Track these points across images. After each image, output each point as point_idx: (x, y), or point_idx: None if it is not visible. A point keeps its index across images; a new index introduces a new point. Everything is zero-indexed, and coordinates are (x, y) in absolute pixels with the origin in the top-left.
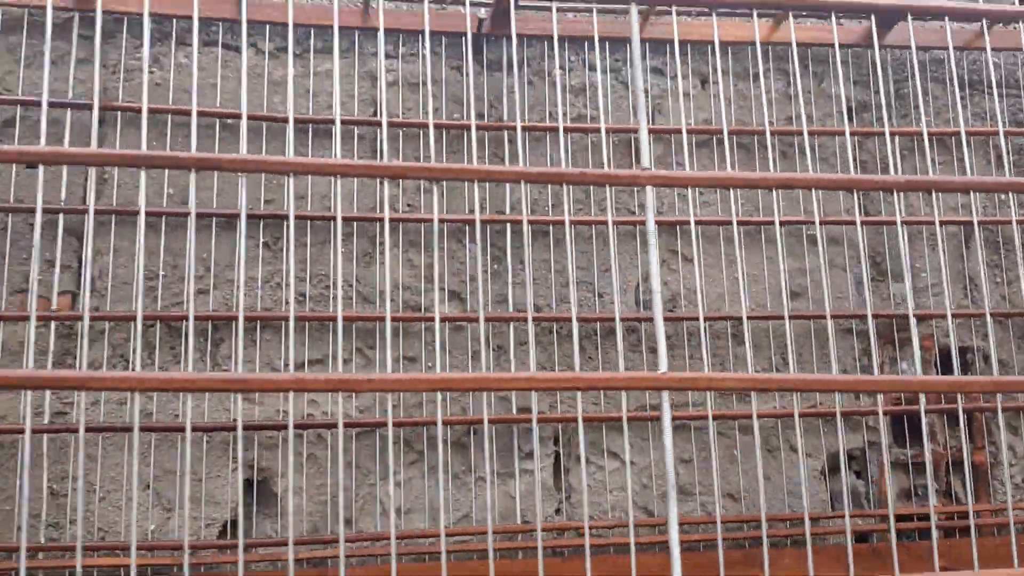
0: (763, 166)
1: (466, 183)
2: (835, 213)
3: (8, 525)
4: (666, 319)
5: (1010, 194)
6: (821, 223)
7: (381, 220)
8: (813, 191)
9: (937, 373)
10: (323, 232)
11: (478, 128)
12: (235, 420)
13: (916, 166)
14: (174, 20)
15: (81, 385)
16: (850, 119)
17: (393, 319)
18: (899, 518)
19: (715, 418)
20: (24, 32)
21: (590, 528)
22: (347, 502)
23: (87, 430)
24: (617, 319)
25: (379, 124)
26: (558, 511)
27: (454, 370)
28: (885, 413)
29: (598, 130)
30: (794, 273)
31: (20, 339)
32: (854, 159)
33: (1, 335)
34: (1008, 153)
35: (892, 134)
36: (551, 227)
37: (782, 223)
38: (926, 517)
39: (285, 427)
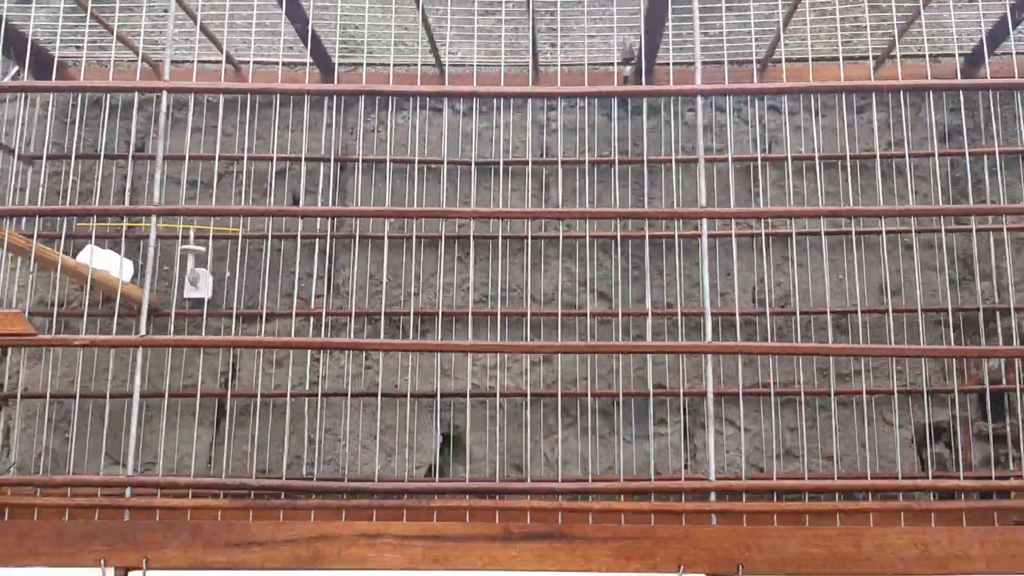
0: (868, 185)
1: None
2: (927, 223)
3: (278, 462)
4: (775, 313)
5: None
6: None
7: (545, 237)
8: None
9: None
10: (502, 245)
11: (621, 163)
12: (436, 388)
13: (1004, 179)
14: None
15: (356, 347)
16: (943, 143)
17: (536, 314)
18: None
19: (815, 394)
20: (282, 103)
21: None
22: (519, 454)
23: (331, 395)
24: (707, 316)
25: (537, 163)
26: (686, 466)
27: (601, 358)
28: (968, 391)
29: (725, 160)
30: (892, 275)
31: (288, 330)
32: (945, 176)
33: (277, 327)
34: None
35: (989, 153)
36: (680, 240)
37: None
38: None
39: (475, 395)
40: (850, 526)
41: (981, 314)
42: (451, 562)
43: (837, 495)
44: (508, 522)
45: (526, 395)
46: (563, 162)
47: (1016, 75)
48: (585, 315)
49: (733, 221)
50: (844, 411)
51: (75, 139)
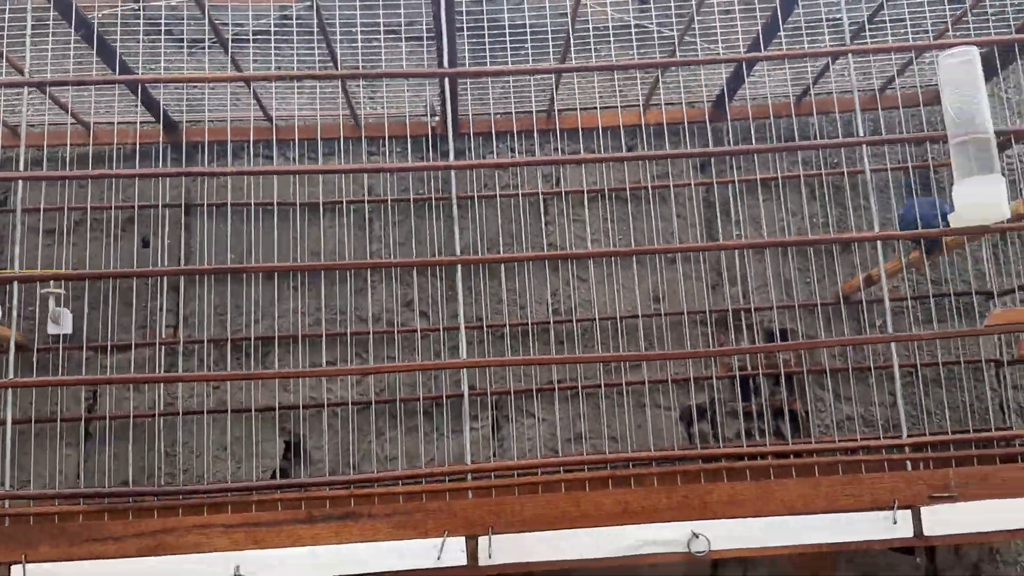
0: (641, 212)
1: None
2: (687, 240)
3: (140, 475)
4: (564, 321)
5: (818, 217)
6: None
7: (376, 266)
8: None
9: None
10: (332, 274)
11: (435, 200)
12: (276, 401)
13: (746, 201)
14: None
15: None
16: (702, 171)
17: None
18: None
19: (595, 387)
20: (115, 158)
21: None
22: (352, 453)
23: (186, 413)
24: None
25: (368, 201)
26: (494, 454)
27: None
28: (721, 377)
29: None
30: (659, 283)
31: (144, 358)
32: (703, 200)
33: (133, 356)
34: (826, 187)
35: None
36: (486, 265)
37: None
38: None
39: (314, 406)
40: (572, 492)
41: (730, 314)
42: (267, 542)
43: (608, 466)
44: (312, 508)
45: (365, 404)
46: (391, 200)
47: (751, 117)
48: (413, 331)
49: (530, 248)
50: (624, 398)
51: None
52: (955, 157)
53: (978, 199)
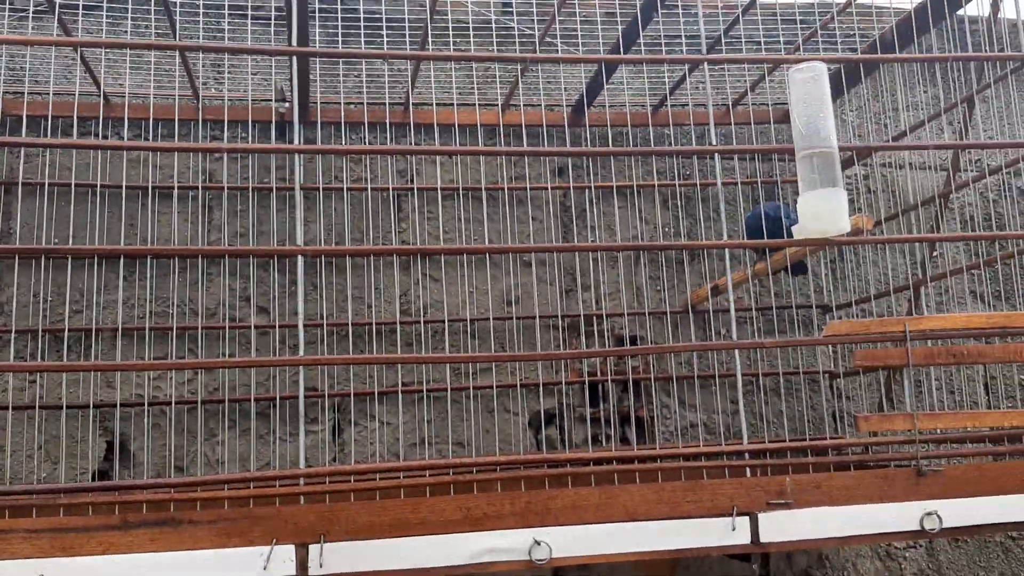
0: (493, 211)
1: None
2: (541, 243)
3: None
4: (417, 322)
5: (671, 227)
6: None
7: (209, 255)
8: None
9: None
10: (164, 263)
11: (281, 189)
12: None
13: (602, 208)
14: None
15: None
16: (559, 176)
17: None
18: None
19: (440, 390)
20: None
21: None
22: (181, 456)
23: None
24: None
25: (206, 188)
26: (334, 459)
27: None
28: (571, 382)
29: (376, 189)
30: (513, 286)
31: None
32: (560, 204)
33: None
34: (679, 197)
35: (587, 188)
36: (333, 259)
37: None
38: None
39: (138, 404)
40: (410, 498)
41: (582, 320)
42: (76, 549)
43: (451, 471)
44: (128, 514)
45: (193, 403)
46: (229, 188)
47: (609, 124)
48: (248, 327)
49: (381, 243)
50: (471, 403)
51: None
52: (801, 170)
53: (820, 211)
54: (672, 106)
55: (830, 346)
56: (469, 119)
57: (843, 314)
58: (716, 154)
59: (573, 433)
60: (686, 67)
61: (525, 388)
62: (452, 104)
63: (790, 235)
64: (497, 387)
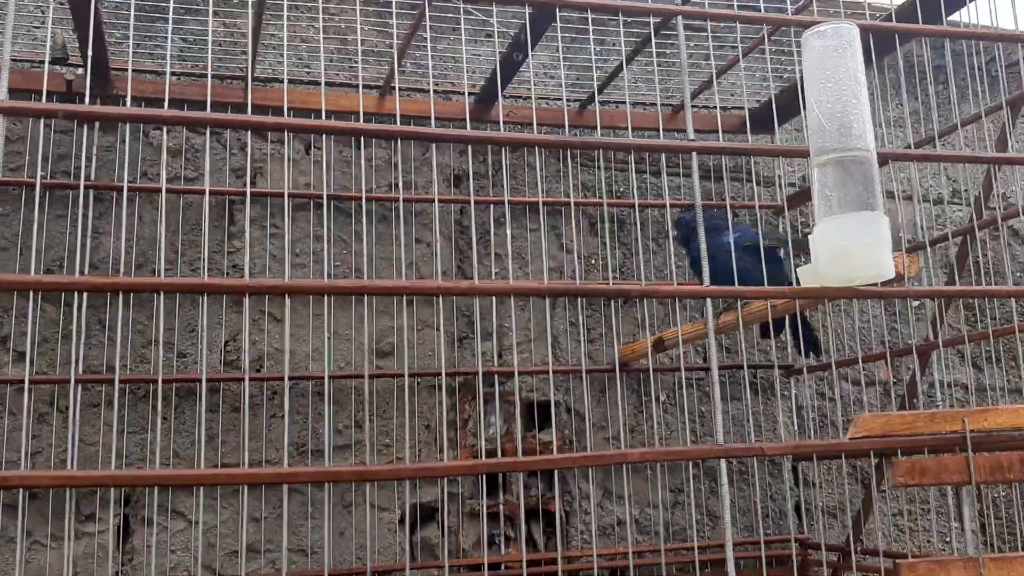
0: (361, 229)
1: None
2: (429, 275)
3: None
4: (251, 379)
5: (598, 257)
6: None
7: None
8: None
9: (521, 423)
10: None
11: (60, 187)
12: None
13: (512, 231)
14: None
15: None
16: (455, 186)
17: None
18: (478, 567)
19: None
20: None
21: None
22: None
23: None
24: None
25: None
26: (117, 574)
27: (15, 433)
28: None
29: (200, 192)
30: (386, 332)
31: None
32: (456, 223)
33: None
34: (605, 221)
35: (492, 203)
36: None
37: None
38: (500, 565)
39: None
40: None
41: (480, 378)
42: None
43: None
44: None
45: None
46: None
47: (534, 121)
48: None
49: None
50: (319, 493)
51: None
52: (818, 183)
53: (849, 247)
54: (601, 103)
55: (792, 420)
56: (344, 104)
57: (813, 379)
58: (691, 155)
59: (461, 534)
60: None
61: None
62: (316, 83)
63: (780, 275)
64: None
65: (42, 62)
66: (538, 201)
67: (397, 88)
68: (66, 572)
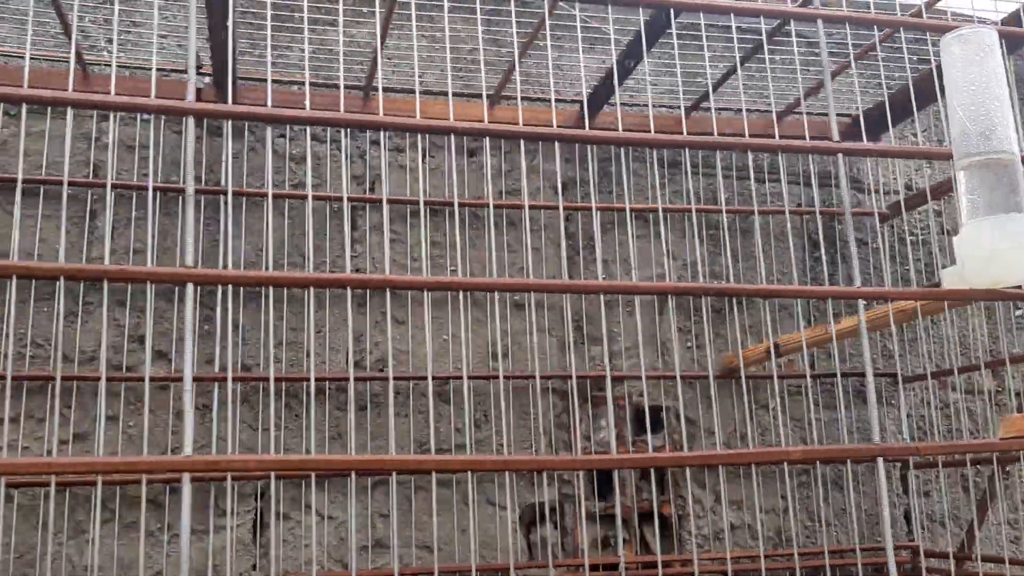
0: (478, 236)
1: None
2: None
3: None
4: (373, 379)
5: (699, 263)
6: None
7: (90, 279)
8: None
9: (631, 429)
10: (23, 291)
11: (196, 191)
12: None
13: (616, 237)
14: None
15: None
16: (559, 193)
17: (82, 379)
18: (593, 567)
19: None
20: None
21: None
22: (31, 561)
23: None
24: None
25: (87, 185)
26: (254, 567)
27: (157, 429)
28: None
29: (305, 197)
30: (501, 335)
31: None
32: (565, 231)
33: None
34: (703, 227)
35: (598, 209)
36: (262, 288)
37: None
38: (614, 566)
39: None
40: None
41: (575, 381)
42: None
43: None
44: None
45: (37, 485)
46: (115, 185)
47: (620, 128)
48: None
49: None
50: (444, 491)
51: None
52: (962, 186)
53: (997, 247)
54: (708, 111)
55: (906, 424)
56: (446, 113)
57: (915, 388)
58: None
59: (577, 534)
60: (731, 66)
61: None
62: (448, 94)
63: None
64: (478, 471)
65: (172, 71)
66: (657, 208)
67: (519, 96)
68: (208, 563)
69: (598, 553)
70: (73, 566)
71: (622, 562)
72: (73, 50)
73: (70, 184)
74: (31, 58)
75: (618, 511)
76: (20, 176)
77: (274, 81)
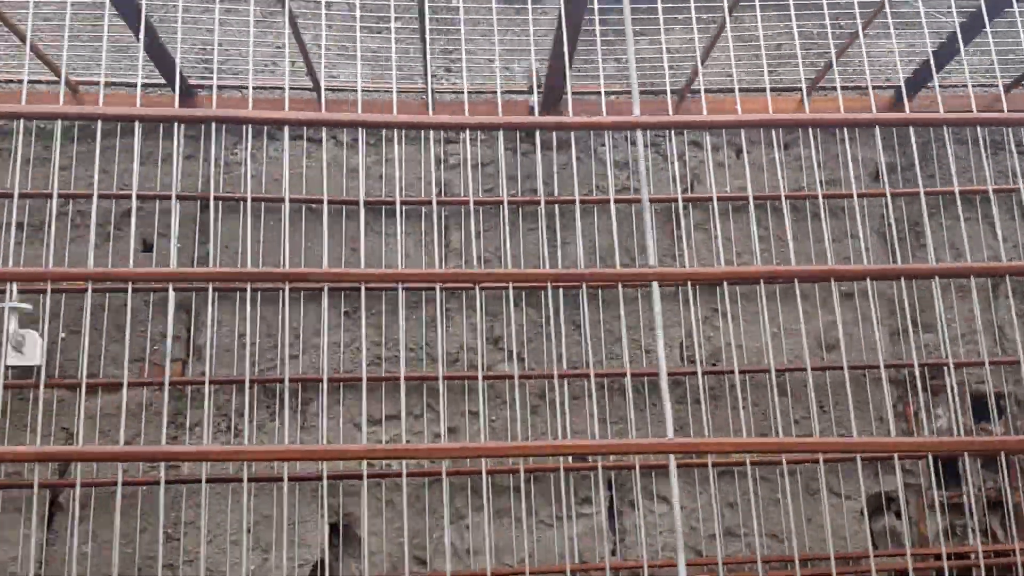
0: (811, 226)
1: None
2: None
3: (129, 566)
4: (706, 372)
5: None
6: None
7: (444, 286)
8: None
9: (971, 418)
10: (393, 299)
11: (534, 203)
12: (321, 471)
13: (943, 223)
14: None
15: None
16: (878, 180)
17: (447, 378)
18: (938, 557)
19: (755, 464)
20: (129, 131)
21: (642, 568)
22: (422, 544)
23: (192, 481)
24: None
25: (441, 203)
26: (613, 552)
27: (514, 422)
28: (913, 456)
29: (639, 201)
30: (828, 326)
31: (139, 402)
32: (884, 217)
33: (124, 399)
34: None
35: (926, 193)
36: (599, 289)
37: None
38: (963, 555)
39: (365, 477)
40: None
41: (917, 369)
42: None
43: None
44: None
45: (435, 475)
46: (473, 202)
47: (941, 110)
48: (502, 377)
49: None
50: (787, 481)
51: None
52: None
53: None
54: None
55: None
56: (759, 107)
57: None
58: None
59: (922, 524)
60: None
61: (859, 460)
62: (765, 89)
63: None
64: (824, 462)
65: (507, 92)
66: (987, 189)
67: (838, 85)
68: (574, 548)
69: (946, 543)
70: (456, 550)
71: (979, 551)
72: (429, 82)
73: (424, 203)
74: (384, 91)
75: (969, 498)
76: (382, 197)
77: (597, 93)
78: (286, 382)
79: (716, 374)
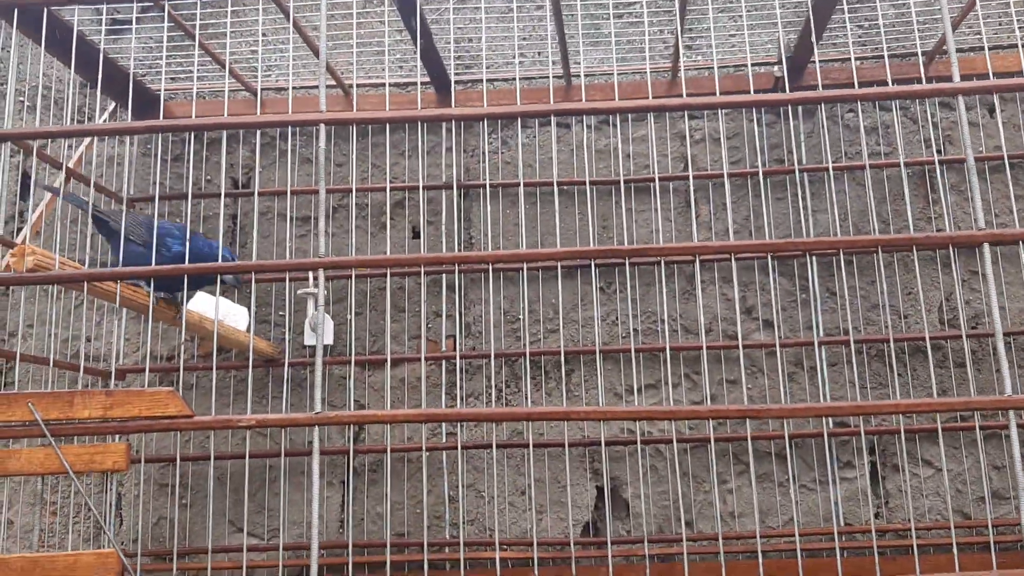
0: None
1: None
2: None
3: (417, 524)
4: (970, 336)
5: None
6: None
7: (702, 258)
8: None
9: None
10: (648, 275)
11: (773, 173)
12: (587, 437)
13: None
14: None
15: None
16: None
17: (709, 348)
18: None
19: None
20: (396, 127)
21: (909, 530)
22: (687, 506)
23: (471, 447)
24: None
25: (702, 177)
26: (877, 515)
27: (772, 390)
28: None
29: (895, 165)
30: None
31: (418, 375)
32: None
33: (405, 372)
34: None
35: None
36: (854, 256)
37: None
38: None
39: (631, 443)
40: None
41: None
42: None
43: None
44: None
45: (700, 441)
46: (709, 176)
47: None
48: (755, 346)
49: (912, 232)
50: None
51: (187, 178)
52: None
53: None
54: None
55: None
56: (1010, 64)
57: None
58: None
59: None
60: None
61: None
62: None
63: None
64: None
65: (747, 66)
66: None
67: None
68: (838, 511)
69: None
70: (720, 513)
71: None
72: (680, 56)
73: (670, 179)
74: (632, 73)
75: None
76: (621, 176)
77: (840, 60)
78: (562, 354)
79: (979, 336)
